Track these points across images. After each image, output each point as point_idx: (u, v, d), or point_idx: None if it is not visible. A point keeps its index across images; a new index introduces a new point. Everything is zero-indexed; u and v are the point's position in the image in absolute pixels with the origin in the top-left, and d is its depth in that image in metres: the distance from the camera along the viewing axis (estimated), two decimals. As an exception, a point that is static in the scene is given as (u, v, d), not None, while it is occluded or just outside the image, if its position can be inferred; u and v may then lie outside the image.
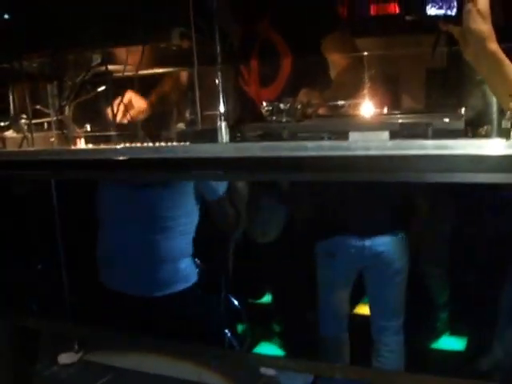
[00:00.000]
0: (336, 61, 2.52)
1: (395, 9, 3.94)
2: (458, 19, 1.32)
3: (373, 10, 3.77)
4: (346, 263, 2.13)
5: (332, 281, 2.19)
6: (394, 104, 2.43)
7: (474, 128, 1.62)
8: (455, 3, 1.33)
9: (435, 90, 2.47)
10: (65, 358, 3.10)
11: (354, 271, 2.16)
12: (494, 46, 1.34)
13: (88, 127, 2.19)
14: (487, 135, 1.62)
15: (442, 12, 1.33)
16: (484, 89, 1.78)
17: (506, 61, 1.40)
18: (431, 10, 1.33)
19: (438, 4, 1.33)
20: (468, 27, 1.31)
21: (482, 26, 1.31)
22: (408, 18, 1.33)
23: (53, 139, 2.14)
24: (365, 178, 1.52)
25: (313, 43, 2.52)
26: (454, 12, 1.33)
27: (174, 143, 1.84)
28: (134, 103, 2.19)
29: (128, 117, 2.05)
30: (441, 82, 2.41)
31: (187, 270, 2.30)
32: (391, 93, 2.40)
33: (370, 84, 2.05)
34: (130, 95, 2.22)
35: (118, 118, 2.07)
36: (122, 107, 2.10)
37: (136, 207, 2.33)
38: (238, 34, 1.90)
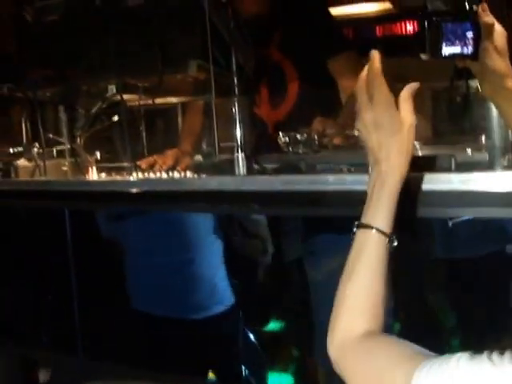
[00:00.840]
0: (345, 84, 2.53)
1: (401, 29, 3.95)
2: (475, 56, 1.31)
3: (378, 31, 3.80)
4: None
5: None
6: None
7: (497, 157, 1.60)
8: (471, 41, 1.31)
9: (451, 114, 2.47)
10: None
11: None
12: (511, 83, 1.33)
13: (98, 155, 2.19)
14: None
15: (458, 51, 1.32)
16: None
17: None
18: (447, 50, 1.32)
19: (453, 43, 1.32)
20: (485, 64, 1.30)
21: (500, 62, 1.30)
22: (424, 57, 1.31)
23: (65, 168, 2.13)
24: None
25: (320, 65, 2.55)
26: (470, 50, 1.31)
27: (189, 174, 1.84)
28: (182, 161, 2.14)
29: (175, 170, 2.01)
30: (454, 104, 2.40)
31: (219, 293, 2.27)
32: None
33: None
34: (175, 153, 2.18)
35: (162, 169, 2.03)
36: (167, 162, 2.08)
37: (164, 233, 2.30)
38: (251, 61, 1.89)
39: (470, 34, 1.32)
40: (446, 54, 1.31)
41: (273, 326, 2.09)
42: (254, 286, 2.13)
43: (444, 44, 1.31)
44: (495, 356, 0.83)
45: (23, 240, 2.21)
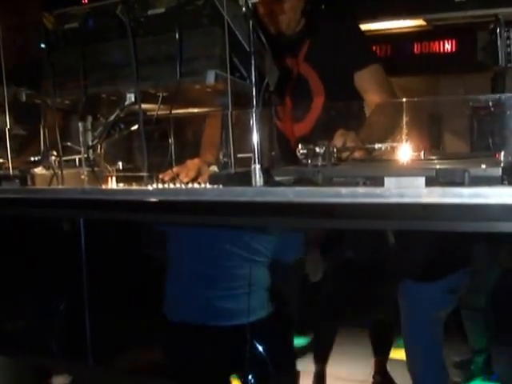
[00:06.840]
0: (370, 98, 2.60)
1: (439, 47, 4.02)
2: None
3: (416, 49, 3.90)
4: None
5: None
6: (436, 146, 2.47)
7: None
8: None
9: (480, 131, 2.50)
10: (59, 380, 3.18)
11: None
12: None
13: (120, 165, 2.27)
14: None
15: None
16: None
17: None
18: None
19: None
20: None
21: None
22: (496, 68, 1.32)
23: (83, 177, 2.20)
24: (398, 225, 1.56)
25: (346, 78, 2.62)
26: None
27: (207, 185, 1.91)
28: (204, 172, 2.24)
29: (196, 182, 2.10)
30: (487, 122, 2.44)
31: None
32: (432, 134, 2.44)
33: (408, 125, 2.08)
34: (197, 164, 2.28)
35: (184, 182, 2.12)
36: (190, 173, 2.19)
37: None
38: (274, 72, 1.96)
39: None
40: None
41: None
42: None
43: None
44: None
45: (35, 249, 2.31)
